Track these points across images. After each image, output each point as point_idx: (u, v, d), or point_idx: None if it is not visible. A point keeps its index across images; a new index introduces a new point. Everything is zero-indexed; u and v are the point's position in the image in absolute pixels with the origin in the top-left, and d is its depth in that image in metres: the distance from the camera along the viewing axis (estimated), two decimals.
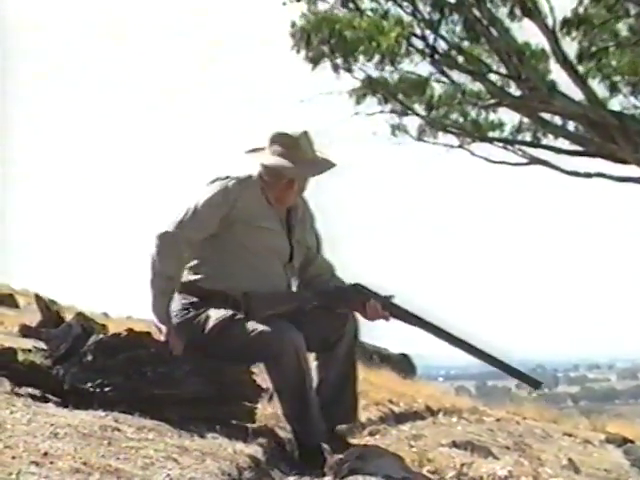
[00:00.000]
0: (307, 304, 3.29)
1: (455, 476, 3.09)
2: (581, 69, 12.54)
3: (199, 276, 3.22)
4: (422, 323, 3.27)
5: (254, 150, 3.34)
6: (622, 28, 12.67)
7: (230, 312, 3.13)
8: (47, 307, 5.19)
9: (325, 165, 3.31)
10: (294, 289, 3.38)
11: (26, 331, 4.66)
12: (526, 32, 12.66)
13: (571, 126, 13.78)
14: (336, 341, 3.27)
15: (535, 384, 3.35)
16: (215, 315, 3.14)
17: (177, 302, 3.20)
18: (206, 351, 3.11)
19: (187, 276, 3.22)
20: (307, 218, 3.44)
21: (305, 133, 3.28)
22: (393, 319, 3.29)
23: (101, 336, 3.10)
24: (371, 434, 4.14)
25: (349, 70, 12.89)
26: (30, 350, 3.18)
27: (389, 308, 3.27)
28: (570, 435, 6.92)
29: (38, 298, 5.44)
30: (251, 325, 3.08)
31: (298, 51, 12.79)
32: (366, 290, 3.29)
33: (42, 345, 3.21)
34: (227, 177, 3.24)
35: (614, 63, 12.75)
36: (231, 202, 3.19)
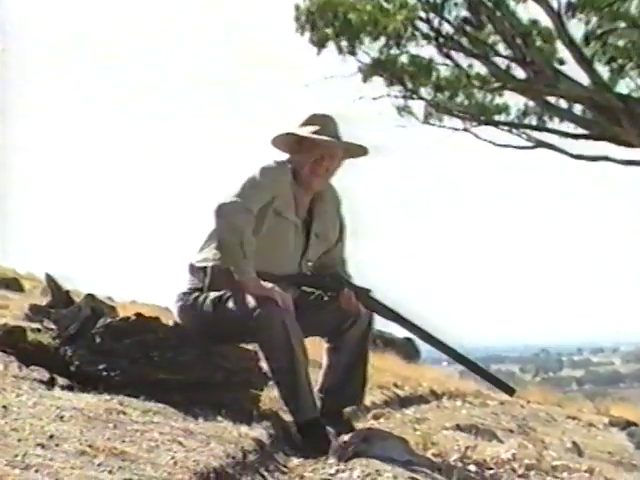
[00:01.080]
0: (282, 284, 3.28)
1: (459, 459, 3.09)
2: (587, 51, 12.45)
3: (210, 262, 3.18)
4: (397, 318, 3.26)
5: (281, 136, 3.31)
6: (628, 10, 12.56)
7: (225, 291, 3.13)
8: (58, 287, 5.17)
9: (354, 146, 3.30)
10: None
11: (35, 311, 4.65)
12: (532, 12, 12.58)
13: (577, 109, 13.72)
14: (348, 328, 3.27)
15: (509, 390, 3.35)
16: (213, 295, 3.15)
17: (185, 285, 3.22)
18: (206, 331, 3.11)
19: (198, 261, 3.21)
20: (333, 206, 3.41)
21: (332, 117, 3.30)
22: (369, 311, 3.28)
23: (110, 319, 3.11)
24: (375, 417, 4.15)
25: (353, 53, 12.83)
26: (39, 330, 3.19)
27: (363, 300, 3.26)
28: (574, 418, 6.95)
29: (49, 278, 5.41)
30: (242, 299, 3.06)
31: (302, 34, 12.74)
32: (342, 280, 3.30)
33: (51, 325, 3.22)
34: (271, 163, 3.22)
35: (621, 44, 12.65)
36: (274, 186, 3.18)
